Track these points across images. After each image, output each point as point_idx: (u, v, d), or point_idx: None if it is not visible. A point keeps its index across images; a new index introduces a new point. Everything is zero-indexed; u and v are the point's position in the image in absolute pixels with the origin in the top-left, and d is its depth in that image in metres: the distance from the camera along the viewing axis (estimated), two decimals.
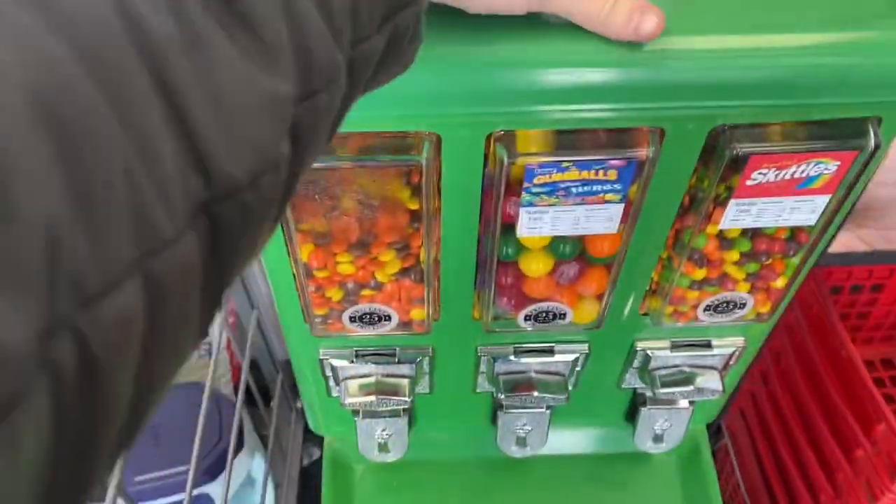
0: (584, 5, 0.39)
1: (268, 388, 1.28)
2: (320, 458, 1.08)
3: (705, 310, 0.60)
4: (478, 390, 0.72)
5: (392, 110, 0.44)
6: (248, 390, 1.19)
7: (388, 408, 0.68)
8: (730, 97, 0.45)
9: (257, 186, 0.20)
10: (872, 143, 0.46)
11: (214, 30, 0.20)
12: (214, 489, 1.06)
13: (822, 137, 0.47)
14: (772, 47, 0.44)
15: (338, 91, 0.26)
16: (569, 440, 0.82)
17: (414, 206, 0.49)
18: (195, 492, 1.05)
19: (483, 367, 0.68)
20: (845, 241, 0.80)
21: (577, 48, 0.42)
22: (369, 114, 0.44)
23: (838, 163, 0.47)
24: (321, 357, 0.65)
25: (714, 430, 1.31)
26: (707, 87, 0.44)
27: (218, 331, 1.02)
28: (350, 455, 0.80)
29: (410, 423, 0.76)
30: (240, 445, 1.09)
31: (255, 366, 1.26)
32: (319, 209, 0.49)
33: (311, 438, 1.48)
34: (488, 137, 0.46)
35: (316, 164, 0.46)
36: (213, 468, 1.04)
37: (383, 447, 0.76)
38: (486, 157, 0.47)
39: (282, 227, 0.51)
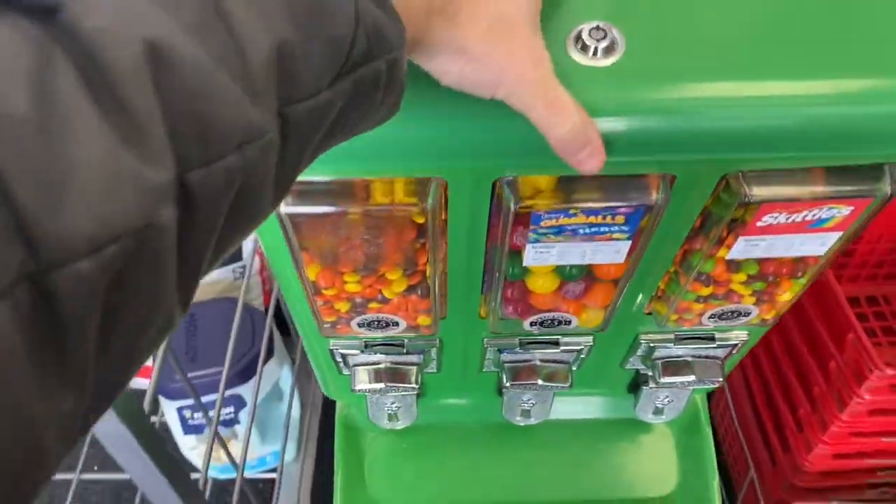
0: (544, 114, 0.37)
1: None
2: None
3: (710, 317, 0.61)
4: (484, 370, 0.74)
5: (398, 160, 0.44)
6: (278, 315, 1.25)
7: (397, 393, 0.70)
8: (744, 148, 0.44)
9: (100, 256, 0.20)
10: (888, 189, 0.46)
11: (78, 108, 0.20)
12: (246, 391, 1.15)
13: (835, 184, 0.46)
14: (788, 96, 0.42)
15: (265, 150, 0.26)
16: (571, 407, 0.84)
17: (418, 244, 0.49)
18: (229, 392, 1.13)
19: (489, 356, 0.70)
20: None
21: (586, 97, 0.41)
22: (375, 163, 0.44)
23: (851, 208, 0.47)
24: (331, 347, 0.67)
25: None
26: (721, 138, 0.43)
27: (250, 255, 1.04)
28: (362, 420, 0.83)
29: (419, 395, 0.79)
30: (270, 353, 1.17)
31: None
32: (325, 243, 0.49)
33: None
34: (495, 182, 0.45)
35: (319, 210, 0.46)
36: (246, 372, 1.13)
37: (393, 417, 0.78)
38: (492, 196, 0.47)
39: (288, 248, 0.51)
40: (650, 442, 0.85)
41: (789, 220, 0.47)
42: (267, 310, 1.21)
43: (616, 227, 0.47)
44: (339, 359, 0.69)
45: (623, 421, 0.85)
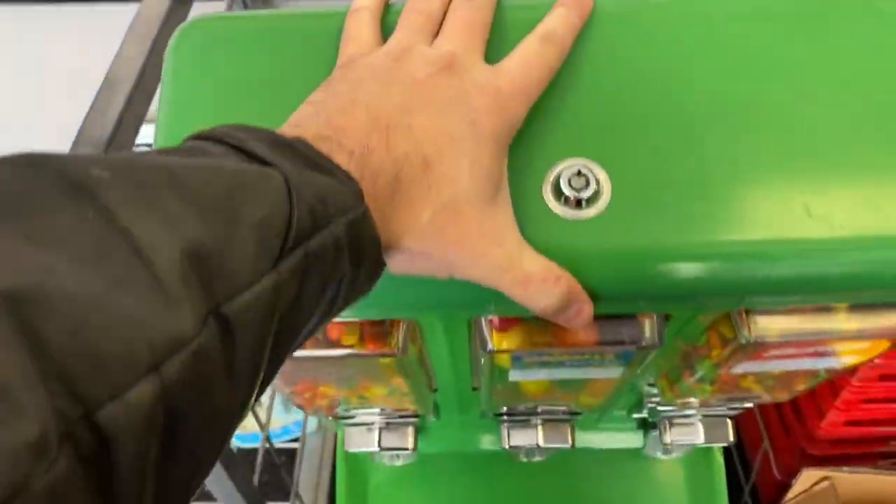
0: (517, 292, 0.34)
1: None
2: None
3: (717, 401, 0.57)
4: (485, 418, 0.71)
5: (363, 308, 0.40)
6: None
7: (395, 445, 0.68)
8: (747, 294, 0.39)
9: None
10: None
11: None
12: None
13: (850, 322, 0.41)
14: (799, 239, 0.37)
15: (196, 358, 0.23)
16: (578, 438, 0.82)
17: (396, 381, 0.45)
18: None
19: (488, 416, 0.67)
20: None
21: (573, 246, 0.36)
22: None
23: (868, 343, 0.42)
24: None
25: None
26: (726, 284, 0.38)
27: None
28: (364, 455, 0.82)
29: (421, 429, 0.77)
30: None
31: None
32: (295, 384, 0.46)
33: None
34: (475, 321, 0.41)
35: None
36: None
37: (394, 456, 0.77)
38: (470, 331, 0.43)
39: None
40: (659, 473, 0.83)
41: (799, 352, 0.43)
42: None
43: (606, 362, 0.43)
44: (331, 417, 0.67)
45: (632, 452, 0.82)
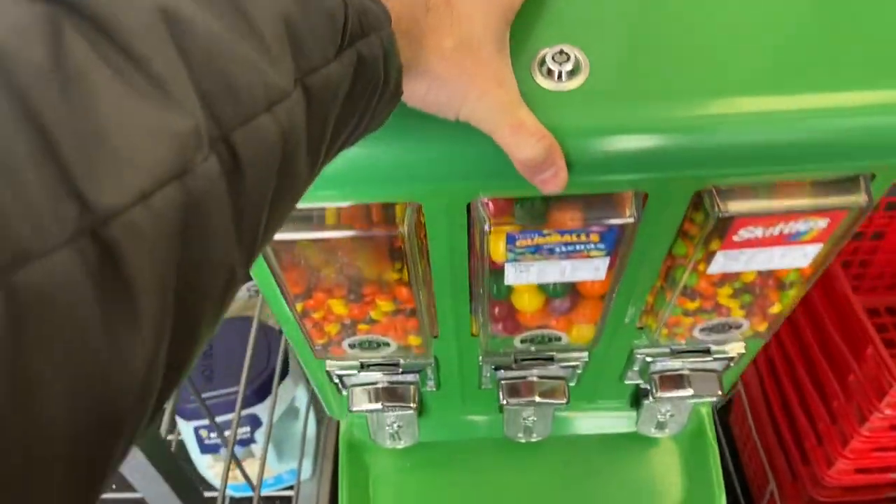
0: (508, 136, 0.38)
1: None
2: None
3: (701, 331, 0.61)
4: (483, 387, 0.74)
5: (371, 185, 0.44)
6: None
7: (396, 413, 0.71)
8: (716, 164, 0.44)
9: (149, 205, 0.21)
10: (864, 201, 0.45)
11: (96, 67, 0.21)
12: (262, 410, 1.16)
13: (810, 195, 0.46)
14: (761, 112, 0.43)
15: (291, 113, 0.26)
16: (574, 423, 0.84)
17: (398, 275, 0.50)
18: (245, 412, 1.14)
19: (486, 373, 0.70)
20: None
21: (552, 120, 0.41)
22: (348, 189, 0.45)
23: (828, 220, 0.46)
24: (328, 369, 0.68)
25: None
26: (692, 155, 0.43)
27: None
28: (365, 439, 0.83)
29: (420, 410, 0.79)
30: (285, 372, 1.18)
31: None
32: (305, 269, 0.50)
33: None
34: (473, 205, 0.46)
35: (297, 236, 0.47)
36: (261, 391, 1.14)
37: (395, 436, 0.79)
38: (469, 218, 0.48)
39: (271, 274, 0.52)
40: (656, 457, 0.84)
41: (766, 234, 0.47)
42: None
43: (592, 246, 0.48)
44: (335, 380, 0.70)
45: (627, 436, 0.84)
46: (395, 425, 0.77)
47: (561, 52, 0.42)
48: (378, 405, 0.69)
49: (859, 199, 0.45)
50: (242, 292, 1.29)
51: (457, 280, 0.54)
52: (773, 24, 0.45)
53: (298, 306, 0.54)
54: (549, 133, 0.40)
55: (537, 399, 0.69)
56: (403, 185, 0.45)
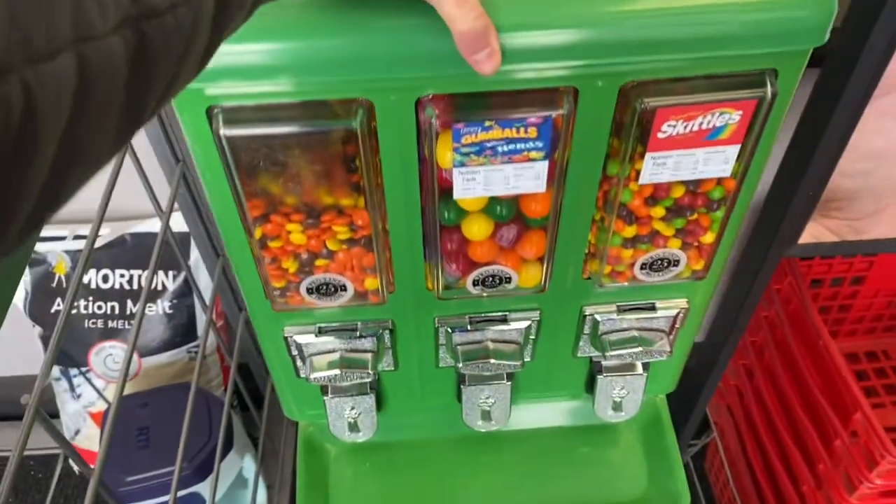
0: (452, 7, 0.43)
1: (259, 391, 1.31)
2: None
3: (641, 268, 0.64)
4: (440, 365, 0.75)
5: (322, 75, 0.49)
6: (238, 393, 1.23)
7: (354, 381, 0.71)
8: (633, 53, 0.49)
9: (175, 15, 0.25)
10: (770, 92, 0.51)
11: None
12: (205, 488, 1.09)
13: (723, 88, 0.51)
14: (671, 7, 0.48)
15: None
16: (533, 415, 0.85)
17: (353, 201, 0.53)
18: (185, 491, 1.08)
19: (442, 339, 0.72)
20: (814, 232, 0.84)
21: (494, 14, 0.47)
22: (303, 80, 0.49)
23: (741, 112, 0.52)
24: (285, 335, 0.69)
25: (701, 427, 1.34)
26: (612, 46, 0.49)
27: (205, 333, 1.05)
28: (323, 438, 0.83)
29: (379, 404, 0.79)
30: (229, 446, 1.12)
31: (245, 369, 1.29)
32: (265, 176, 0.53)
33: None
34: (418, 102, 0.50)
35: (257, 131, 0.50)
36: (203, 468, 1.07)
37: (353, 426, 0.79)
38: (418, 130, 0.52)
39: (234, 201, 0.55)
40: (615, 446, 0.85)
41: (687, 130, 0.52)
42: (226, 390, 1.18)
43: (531, 143, 0.52)
44: (294, 351, 0.71)
45: (587, 427, 0.85)
46: (353, 412, 0.77)
47: None
48: (336, 371, 0.69)
49: (766, 91, 0.51)
50: (181, 354, 1.25)
51: (410, 200, 0.57)
52: None
53: (257, 232, 0.57)
54: (489, 18, 0.45)
55: (493, 361, 0.70)
56: (355, 77, 0.49)
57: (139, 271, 1.16)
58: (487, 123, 0.50)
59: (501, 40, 0.47)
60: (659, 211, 0.59)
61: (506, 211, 0.58)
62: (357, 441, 0.80)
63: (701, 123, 0.52)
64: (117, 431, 1.00)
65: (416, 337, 0.72)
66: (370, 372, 0.70)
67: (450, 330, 0.71)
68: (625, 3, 0.48)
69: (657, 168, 0.55)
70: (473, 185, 0.54)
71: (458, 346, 0.72)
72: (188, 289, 1.16)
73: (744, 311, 0.92)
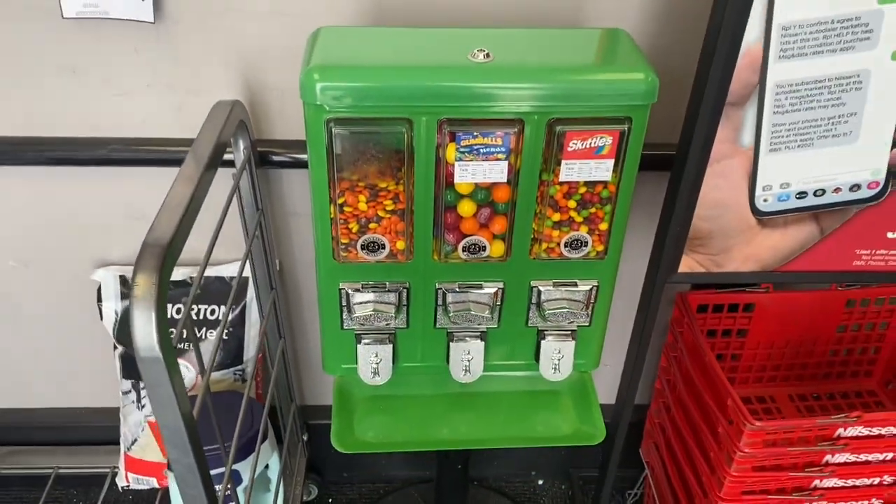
0: None
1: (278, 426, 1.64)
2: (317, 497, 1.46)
3: (565, 246, 1.05)
4: (437, 325, 1.13)
5: (386, 102, 0.92)
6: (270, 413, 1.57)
7: (381, 324, 1.09)
8: (556, 102, 0.93)
9: None
10: (627, 127, 0.95)
11: None
12: (244, 468, 1.41)
13: (602, 123, 0.95)
14: (576, 79, 0.93)
15: None
16: (498, 383, 1.22)
17: (396, 186, 0.96)
18: (231, 467, 1.40)
19: (440, 301, 1.10)
20: (689, 265, 1.25)
21: (478, 80, 0.91)
22: (376, 105, 0.92)
23: (612, 137, 0.95)
24: (340, 287, 1.08)
25: (634, 465, 1.68)
26: (543, 98, 0.93)
27: (252, 359, 1.41)
28: (352, 387, 1.19)
29: (394, 357, 1.16)
30: (264, 436, 1.46)
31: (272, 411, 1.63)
32: (352, 157, 0.95)
33: (312, 478, 1.81)
34: (439, 121, 0.93)
35: (352, 129, 0.93)
36: (245, 449, 1.40)
37: (375, 372, 1.15)
38: (437, 142, 0.95)
39: (327, 178, 0.96)
40: (556, 403, 1.21)
41: (584, 146, 0.95)
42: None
43: (498, 148, 0.94)
44: (344, 302, 1.09)
45: (537, 391, 1.22)
46: (376, 359, 1.14)
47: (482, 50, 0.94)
48: (370, 312, 1.08)
49: (625, 126, 0.95)
50: (229, 374, 1.60)
51: (428, 187, 0.99)
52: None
53: (340, 199, 0.98)
54: None
55: (472, 312, 1.09)
56: (404, 104, 0.92)
57: (204, 305, 1.53)
58: (475, 134, 0.93)
59: (490, 90, 0.91)
60: (572, 203, 1.01)
61: (483, 196, 0.99)
62: (377, 385, 1.16)
63: (590, 143, 0.95)
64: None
65: (422, 298, 1.10)
66: (393, 316, 1.08)
67: (445, 293, 1.10)
68: (552, 78, 0.93)
69: (569, 171, 0.97)
70: (466, 173, 0.97)
71: (450, 305, 1.10)
72: (241, 320, 1.53)
73: (645, 332, 1.32)
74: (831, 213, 1.21)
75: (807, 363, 1.63)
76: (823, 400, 1.66)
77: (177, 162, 1.37)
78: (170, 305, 1.54)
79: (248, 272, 1.48)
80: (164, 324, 0.77)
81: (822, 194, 1.18)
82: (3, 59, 1.24)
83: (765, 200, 1.18)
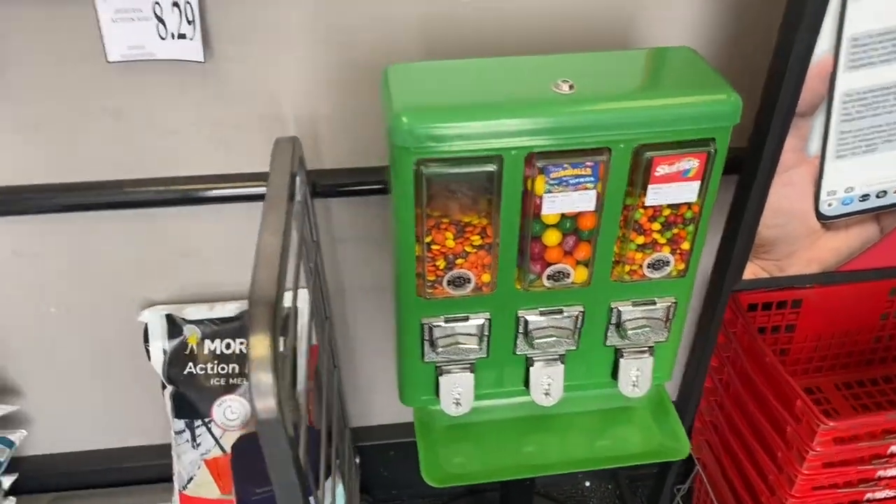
0: None
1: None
2: None
3: (648, 267, 1.05)
4: (517, 352, 1.13)
5: (475, 141, 0.91)
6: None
7: (462, 355, 1.08)
8: (643, 128, 0.93)
9: None
10: (713, 149, 0.95)
11: None
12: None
13: (689, 146, 0.95)
14: (663, 104, 0.93)
15: None
16: (572, 402, 1.22)
17: (484, 221, 0.95)
18: None
19: (521, 328, 1.10)
20: (753, 271, 1.26)
21: (567, 112, 0.90)
22: (465, 143, 0.91)
23: (698, 160, 0.95)
24: (423, 322, 1.07)
25: (686, 472, 1.69)
26: (630, 126, 0.92)
27: (304, 394, 1.40)
28: (432, 416, 1.18)
29: (475, 385, 1.16)
30: (328, 471, 1.45)
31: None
32: (440, 195, 0.94)
33: (364, 499, 1.80)
34: (527, 155, 0.93)
35: (440, 170, 0.92)
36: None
37: (457, 402, 1.15)
38: (525, 175, 0.94)
39: (414, 217, 0.95)
40: (633, 419, 1.22)
41: (671, 170, 0.95)
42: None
43: (587, 178, 0.94)
44: (426, 336, 1.08)
45: (614, 408, 1.22)
46: (457, 389, 1.13)
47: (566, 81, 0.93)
48: (453, 346, 1.07)
49: (710, 148, 0.95)
50: None
51: (513, 220, 0.98)
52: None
53: (427, 237, 0.97)
54: None
55: (553, 338, 1.09)
56: (494, 142, 0.91)
57: (241, 339, 1.52)
58: (565, 165, 0.93)
59: (579, 122, 0.90)
60: (656, 226, 1.01)
61: (569, 225, 0.99)
62: (459, 414, 1.16)
63: (678, 167, 0.95)
64: (246, 456, 1.35)
65: (503, 326, 1.10)
66: (475, 348, 1.08)
67: (525, 320, 1.09)
68: (639, 106, 0.93)
69: (655, 195, 0.97)
70: (555, 205, 0.96)
71: (532, 332, 1.10)
72: (292, 352, 1.52)
73: (710, 337, 1.32)
74: (892, 212, 1.22)
75: (852, 351, 1.65)
76: (868, 386, 1.68)
77: (220, 199, 1.35)
78: (218, 341, 1.52)
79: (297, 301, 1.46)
80: (284, 387, 0.76)
81: (884, 196, 1.19)
82: (48, 104, 1.21)
83: (829, 205, 1.19)
